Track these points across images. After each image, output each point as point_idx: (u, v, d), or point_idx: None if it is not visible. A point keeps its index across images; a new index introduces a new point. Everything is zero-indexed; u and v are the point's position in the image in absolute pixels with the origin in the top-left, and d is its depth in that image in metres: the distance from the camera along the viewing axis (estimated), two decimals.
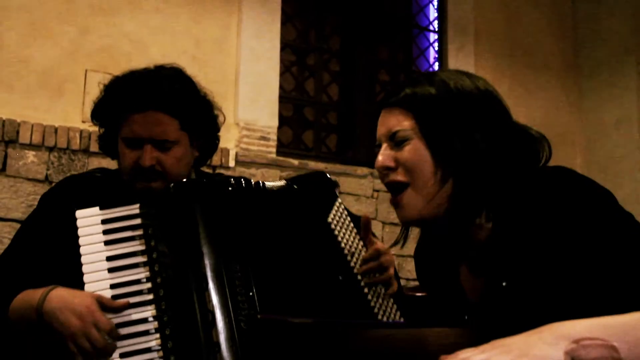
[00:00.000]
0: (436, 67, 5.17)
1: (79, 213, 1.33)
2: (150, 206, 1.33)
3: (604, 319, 0.84)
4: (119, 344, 1.22)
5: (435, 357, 0.81)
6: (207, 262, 1.27)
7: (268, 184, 1.42)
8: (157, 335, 1.24)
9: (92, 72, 3.76)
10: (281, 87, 4.39)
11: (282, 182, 1.45)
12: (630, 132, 5.40)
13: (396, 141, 1.15)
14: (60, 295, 1.29)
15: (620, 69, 5.48)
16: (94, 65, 3.77)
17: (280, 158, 4.24)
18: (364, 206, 4.54)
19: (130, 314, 1.26)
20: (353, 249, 1.39)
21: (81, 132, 3.63)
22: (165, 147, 1.47)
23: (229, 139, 4.11)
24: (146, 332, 1.25)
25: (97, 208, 1.34)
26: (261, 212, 1.37)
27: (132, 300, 1.27)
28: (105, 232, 1.31)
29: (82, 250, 1.30)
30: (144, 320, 1.26)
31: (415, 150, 1.13)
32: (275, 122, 4.27)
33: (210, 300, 1.24)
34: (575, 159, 5.67)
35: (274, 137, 4.26)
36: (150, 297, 1.26)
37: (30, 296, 1.33)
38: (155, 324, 1.25)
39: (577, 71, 5.78)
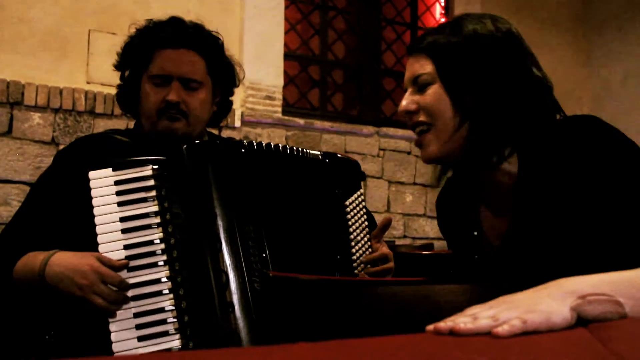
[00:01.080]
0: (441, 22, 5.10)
1: (92, 174, 1.33)
2: (163, 167, 1.33)
3: (611, 275, 0.85)
4: (133, 304, 1.24)
5: (444, 312, 0.82)
6: (220, 223, 1.28)
7: (299, 149, 1.43)
8: (171, 296, 1.25)
9: (95, 32, 3.73)
10: (286, 46, 4.35)
11: (317, 153, 1.46)
12: (637, 87, 5.35)
13: (419, 85, 1.20)
14: (61, 259, 1.31)
15: (629, 24, 5.40)
16: (97, 25, 3.73)
17: (286, 117, 4.22)
18: (370, 165, 4.55)
19: (143, 275, 1.28)
20: (359, 238, 1.43)
21: (86, 93, 3.62)
22: (192, 87, 1.49)
23: (234, 99, 4.08)
24: (159, 293, 1.26)
25: (110, 169, 1.33)
26: (276, 176, 1.38)
27: (146, 261, 1.28)
28: (118, 193, 1.31)
29: (95, 211, 1.30)
30: (158, 281, 1.27)
31: (436, 95, 1.16)
32: (280, 82, 4.25)
33: (223, 261, 1.26)
34: (582, 113, 5.63)
35: (279, 96, 4.24)
36: (164, 258, 1.27)
37: (31, 261, 1.35)
38: (169, 284, 1.26)
39: (585, 26, 5.70)
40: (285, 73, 4.32)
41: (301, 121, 4.25)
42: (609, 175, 1.02)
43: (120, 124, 3.71)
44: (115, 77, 3.61)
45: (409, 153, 4.73)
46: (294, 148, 1.44)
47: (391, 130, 4.64)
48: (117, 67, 1.59)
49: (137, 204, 1.31)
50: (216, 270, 1.27)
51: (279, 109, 4.21)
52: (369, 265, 1.40)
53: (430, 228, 4.77)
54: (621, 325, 0.74)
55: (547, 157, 1.09)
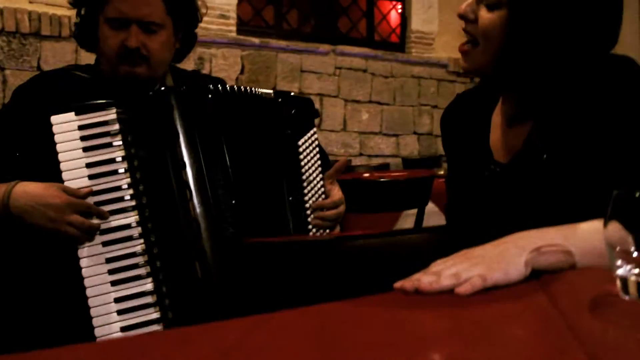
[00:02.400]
0: None
1: (54, 119, 1.28)
2: (128, 112, 1.30)
3: (565, 227, 0.91)
4: (104, 249, 1.26)
5: (410, 260, 0.87)
6: (189, 171, 1.29)
7: (253, 90, 1.42)
8: (142, 241, 1.26)
9: None
10: None
11: (269, 92, 1.44)
12: None
13: (488, 0, 1.12)
14: (26, 191, 1.28)
15: None
16: None
17: (241, 37, 4.13)
18: (326, 84, 4.53)
19: (113, 220, 1.27)
20: (311, 179, 1.44)
21: (30, 13, 3.45)
22: (151, 30, 1.42)
23: None
24: (130, 238, 1.26)
25: (73, 113, 1.28)
26: (240, 119, 1.37)
27: (115, 206, 1.27)
28: (82, 139, 1.28)
29: (60, 157, 1.27)
30: (128, 226, 1.27)
31: (496, 20, 1.11)
32: (234, 0, 4.13)
33: (194, 209, 1.27)
34: None
35: (233, 14, 4.13)
36: (133, 203, 1.27)
37: None
38: (139, 229, 1.26)
39: None
40: None
41: (256, 40, 4.17)
42: (626, 118, 1.05)
43: (69, 46, 3.58)
44: None
45: (365, 71, 4.72)
46: (249, 89, 1.42)
47: (347, 48, 4.61)
48: (73, 4, 1.52)
49: (103, 149, 1.28)
50: (187, 218, 1.28)
51: (234, 28, 4.12)
52: (319, 210, 1.43)
53: (385, 146, 4.85)
54: (566, 277, 0.80)
55: (576, 91, 1.10)
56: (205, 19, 4.15)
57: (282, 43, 4.31)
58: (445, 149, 1.40)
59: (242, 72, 4.17)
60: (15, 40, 3.44)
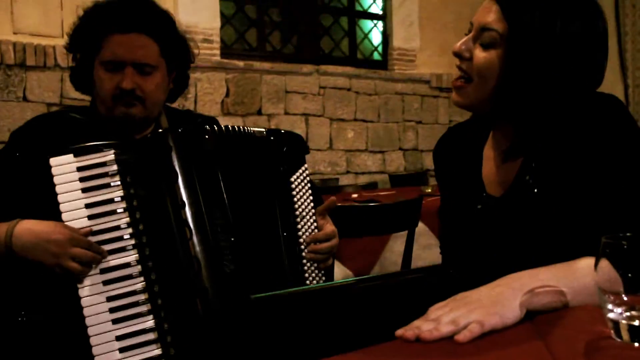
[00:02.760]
0: None
1: (53, 161, 1.30)
2: (126, 152, 1.33)
3: (557, 266, 0.94)
4: (104, 288, 1.27)
5: (410, 302, 0.90)
6: (188, 210, 1.31)
7: (246, 129, 1.45)
8: (142, 279, 1.28)
9: None
10: None
11: (262, 130, 1.48)
12: None
13: (483, 38, 1.16)
14: (28, 229, 1.30)
15: None
16: None
17: (225, 60, 4.16)
18: (311, 104, 4.57)
19: (114, 259, 1.29)
20: (304, 214, 1.47)
21: (14, 44, 3.46)
22: (145, 72, 1.46)
23: None
24: (130, 276, 1.28)
25: (72, 155, 1.30)
26: (235, 159, 1.40)
27: (115, 246, 1.30)
28: (81, 180, 1.30)
29: (59, 198, 1.29)
30: (128, 265, 1.29)
31: (491, 60, 1.14)
32: (217, 23, 4.16)
33: (194, 248, 1.30)
34: None
35: (217, 39, 4.16)
36: (133, 242, 1.29)
37: None
38: (140, 268, 1.29)
39: None
40: (221, 14, 4.22)
41: (240, 63, 4.20)
42: (613, 157, 1.09)
43: (54, 75, 3.59)
44: (45, 27, 3.47)
45: (349, 90, 4.77)
46: (243, 128, 1.46)
47: (330, 68, 4.66)
48: (68, 49, 1.55)
49: (102, 190, 1.31)
50: (187, 257, 1.30)
51: (217, 52, 4.15)
52: (313, 244, 1.46)
53: (371, 162, 4.89)
54: (560, 319, 0.84)
55: (567, 127, 1.13)
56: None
57: (266, 65, 4.35)
58: (438, 181, 1.44)
59: (227, 95, 4.20)
60: (0, 72, 3.44)
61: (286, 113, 4.45)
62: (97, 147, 1.34)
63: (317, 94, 4.61)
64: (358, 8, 5.02)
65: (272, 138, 1.48)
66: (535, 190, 1.16)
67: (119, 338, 1.27)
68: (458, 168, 1.34)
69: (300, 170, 1.50)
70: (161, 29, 1.48)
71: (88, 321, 1.27)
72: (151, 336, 1.29)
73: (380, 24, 5.10)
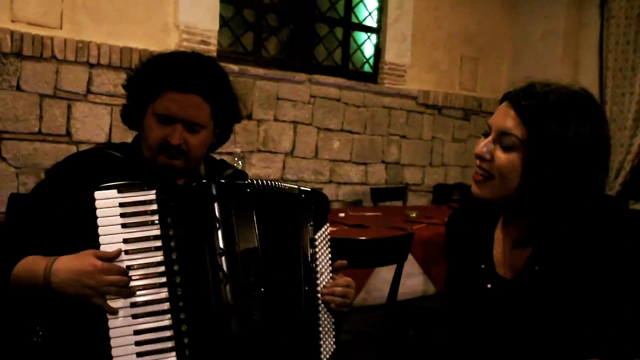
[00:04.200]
0: None
1: (98, 194, 1.36)
2: (168, 194, 1.40)
3: None
4: (134, 322, 1.32)
5: None
6: (225, 259, 1.39)
7: (279, 185, 1.54)
8: (170, 316, 1.34)
9: None
10: None
11: (295, 187, 1.55)
12: (554, 45, 5.63)
13: (503, 142, 1.25)
14: (63, 266, 1.36)
15: None
16: None
17: (221, 64, 4.15)
18: (301, 112, 4.62)
19: (145, 295, 1.35)
20: (323, 270, 1.56)
21: (12, 33, 3.42)
22: (194, 130, 1.52)
23: (168, 43, 4.00)
24: (160, 312, 1.34)
25: (116, 191, 1.37)
26: (270, 213, 1.49)
27: (148, 282, 1.35)
28: (122, 215, 1.36)
29: (100, 230, 1.35)
30: (159, 301, 1.35)
31: (514, 162, 1.23)
32: (216, 26, 4.17)
33: (226, 294, 1.38)
34: (502, 65, 5.90)
35: (214, 41, 4.17)
36: (165, 280, 1.36)
37: (31, 268, 1.40)
38: (170, 305, 1.35)
39: None
40: (220, 16, 4.23)
41: (235, 67, 4.22)
42: (617, 272, 1.19)
43: (50, 67, 3.57)
44: (44, 17, 3.44)
45: (338, 100, 4.83)
46: (277, 184, 1.54)
47: (322, 78, 4.71)
48: (126, 91, 1.60)
49: (141, 227, 1.37)
50: (218, 302, 1.38)
51: (214, 54, 4.15)
52: (330, 296, 1.55)
53: (354, 173, 4.97)
54: None
55: (577, 225, 1.23)
56: (186, 44, 4.21)
57: (260, 71, 4.38)
58: (448, 249, 1.52)
59: None
60: None
61: (275, 119, 4.50)
62: (141, 186, 1.40)
63: (307, 103, 4.66)
64: (354, 20, 5.07)
65: (303, 196, 1.55)
66: (543, 280, 1.26)
67: None
68: (469, 244, 1.42)
69: (324, 228, 1.58)
70: (216, 92, 1.53)
71: (114, 352, 1.33)
72: None
73: (373, 36, 5.16)
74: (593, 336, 1.14)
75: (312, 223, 1.55)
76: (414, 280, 2.91)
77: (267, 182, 1.52)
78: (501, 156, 1.24)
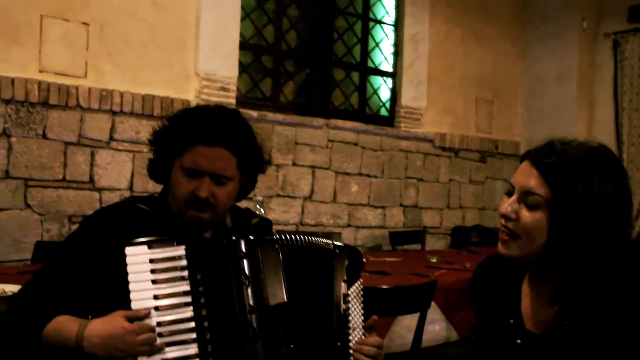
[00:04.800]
0: (392, 14, 5.20)
1: (128, 250, 1.37)
2: (197, 249, 1.41)
3: None
4: None
5: None
6: (255, 315, 1.40)
7: (312, 239, 1.55)
8: None
9: (48, 18, 3.59)
10: (241, 35, 4.33)
11: (329, 242, 1.57)
12: (569, 86, 5.67)
13: (527, 201, 1.26)
14: (95, 331, 1.38)
15: (564, 23, 5.68)
16: (49, 10, 3.60)
17: (240, 109, 4.22)
18: (319, 156, 4.67)
19: (175, 351, 1.35)
20: (355, 325, 1.56)
21: (39, 83, 3.52)
22: (221, 182, 1.55)
23: (188, 90, 4.08)
24: None
25: (146, 247, 1.38)
26: (301, 268, 1.50)
27: (177, 338, 1.36)
28: (152, 272, 1.37)
29: (131, 286, 1.36)
30: (189, 358, 1.35)
31: (539, 221, 1.24)
32: (235, 73, 4.25)
33: (256, 350, 1.38)
34: (517, 107, 5.94)
35: (233, 87, 4.25)
36: (194, 336, 1.36)
37: (64, 330, 1.41)
38: None
39: (524, 21, 5.94)
40: (239, 62, 4.32)
41: (254, 113, 4.29)
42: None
43: (75, 115, 3.65)
44: (70, 67, 3.54)
45: (355, 144, 4.87)
46: (310, 239, 1.55)
47: (340, 122, 4.76)
48: (153, 146, 1.64)
49: (171, 283, 1.38)
50: (249, 359, 1.38)
51: (233, 100, 4.23)
52: (361, 355, 1.54)
53: (372, 217, 4.98)
54: None
55: (605, 282, 1.24)
56: (206, 90, 4.30)
57: (279, 116, 4.45)
58: (475, 302, 1.52)
59: None
60: (23, 109, 3.50)
61: (294, 164, 4.54)
62: (171, 241, 1.42)
63: (325, 147, 4.71)
64: (370, 64, 5.15)
65: (337, 251, 1.56)
66: (573, 336, 1.26)
67: None
68: (497, 298, 1.43)
69: (357, 284, 1.58)
70: (241, 144, 1.56)
71: None
72: None
73: (389, 80, 5.23)
74: None
75: (345, 278, 1.56)
76: (436, 327, 2.89)
77: (298, 237, 1.53)
78: (527, 215, 1.26)
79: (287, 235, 1.52)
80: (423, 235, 5.05)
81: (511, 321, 1.37)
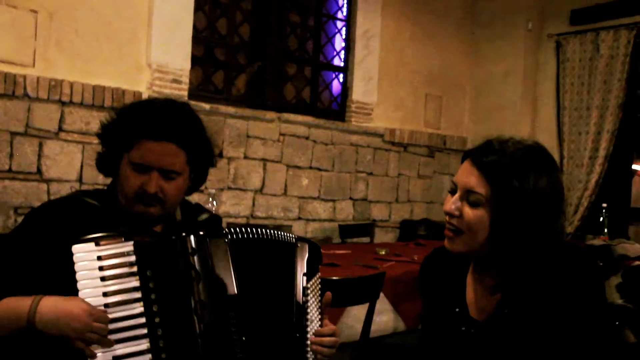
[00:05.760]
0: (344, 10, 5.26)
1: (75, 248, 1.36)
2: (146, 245, 1.41)
3: None
4: None
5: None
6: (205, 310, 1.41)
7: (271, 233, 1.56)
8: None
9: None
10: (194, 27, 4.31)
11: (290, 237, 1.60)
12: (515, 84, 5.85)
13: (469, 200, 1.33)
14: (51, 306, 1.36)
15: (511, 24, 5.84)
16: None
17: (192, 102, 4.23)
18: (271, 149, 4.70)
19: (127, 347, 1.35)
20: (313, 317, 1.59)
21: None
22: (170, 177, 1.54)
23: (140, 81, 4.05)
24: None
25: (93, 244, 1.38)
26: (259, 260, 1.53)
27: (129, 334, 1.36)
28: (101, 269, 1.36)
29: (79, 285, 1.35)
30: (141, 353, 1.35)
31: (481, 218, 1.32)
32: (187, 65, 4.24)
33: (208, 344, 1.39)
34: (465, 104, 6.09)
35: (186, 79, 4.24)
36: (145, 331, 1.36)
37: (13, 307, 1.39)
38: (151, 357, 1.35)
39: (473, 21, 6.09)
40: (192, 54, 4.30)
41: (206, 106, 4.29)
42: (579, 314, 1.28)
43: (22, 105, 3.58)
44: (17, 55, 3.46)
45: (307, 138, 4.92)
46: (271, 231, 1.57)
47: (292, 116, 4.80)
48: (100, 139, 1.62)
49: (120, 279, 1.38)
50: (201, 353, 1.40)
51: (185, 93, 4.22)
52: (320, 337, 1.58)
53: (322, 210, 5.04)
54: None
55: (542, 272, 1.32)
56: (159, 82, 4.27)
57: (231, 109, 4.45)
58: (422, 293, 1.60)
59: None
60: None
61: (245, 157, 4.56)
62: (118, 237, 1.41)
63: (276, 141, 4.74)
64: (322, 59, 5.20)
65: (298, 245, 1.59)
66: (513, 323, 1.35)
67: None
68: (443, 288, 1.51)
69: (316, 277, 1.62)
70: (191, 139, 1.57)
71: None
72: None
73: (341, 75, 5.29)
74: None
75: (305, 271, 1.59)
76: (384, 317, 2.98)
77: (254, 230, 1.53)
78: (469, 212, 1.34)
79: (242, 229, 1.52)
80: (372, 228, 5.15)
81: (457, 309, 1.45)
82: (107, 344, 1.37)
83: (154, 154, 1.52)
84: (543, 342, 1.30)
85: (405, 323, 3.06)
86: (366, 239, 4.99)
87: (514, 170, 1.30)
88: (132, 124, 1.54)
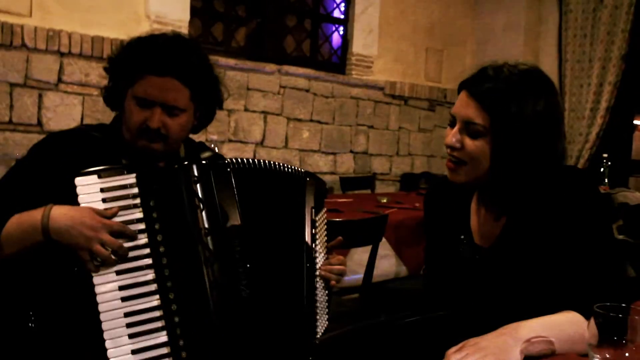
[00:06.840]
0: None
1: (78, 180, 1.35)
2: (149, 176, 1.40)
3: (545, 319, 1.14)
4: (123, 304, 1.35)
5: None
6: (209, 238, 1.41)
7: (282, 165, 1.56)
8: (158, 297, 1.35)
9: None
10: None
11: (299, 170, 1.60)
12: (516, 37, 5.80)
13: (469, 130, 1.33)
14: (63, 213, 1.35)
15: None
16: None
17: None
18: (271, 102, 4.68)
19: (133, 277, 1.36)
20: (321, 249, 1.62)
21: None
22: (173, 113, 1.53)
23: (139, 32, 3.99)
24: (148, 294, 1.35)
25: (96, 176, 1.36)
26: (267, 191, 1.53)
27: (134, 264, 1.36)
28: (104, 201, 1.36)
29: None
30: (146, 283, 1.36)
31: (482, 147, 1.31)
32: (186, 16, 4.19)
33: (213, 271, 1.40)
34: (465, 57, 6.04)
35: (185, 31, 4.19)
36: (150, 261, 1.37)
37: (25, 220, 1.39)
38: (158, 286, 1.36)
39: None
40: (191, 6, 4.25)
41: None
42: (582, 227, 1.29)
43: (20, 55, 3.55)
44: (13, 4, 3.41)
45: (307, 91, 4.90)
46: (278, 164, 1.57)
47: (292, 69, 4.77)
48: (106, 70, 1.61)
49: (123, 211, 1.38)
50: (207, 281, 1.40)
51: None
52: (329, 273, 1.61)
53: (323, 163, 5.05)
54: None
55: (544, 194, 1.33)
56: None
57: (231, 61, 4.42)
58: (425, 225, 1.61)
59: None
60: None
61: (246, 110, 4.55)
62: (121, 170, 1.41)
63: (277, 93, 4.72)
64: (322, 11, 5.14)
65: (307, 179, 1.60)
66: (518, 245, 1.36)
67: (134, 352, 1.35)
68: (447, 218, 1.52)
69: (323, 211, 1.63)
70: (195, 76, 1.54)
71: (106, 335, 1.35)
72: (165, 350, 1.38)
73: (341, 28, 5.24)
74: (564, 289, 1.24)
75: (313, 205, 1.60)
76: (386, 262, 3.01)
77: (257, 162, 1.53)
78: (470, 143, 1.33)
79: (247, 160, 1.52)
80: (373, 181, 5.16)
81: (462, 237, 1.46)
82: (113, 263, 1.37)
83: (157, 89, 1.51)
84: (546, 259, 1.31)
85: (407, 268, 3.10)
86: (367, 192, 5.01)
87: (510, 95, 1.29)
88: (137, 58, 1.53)
